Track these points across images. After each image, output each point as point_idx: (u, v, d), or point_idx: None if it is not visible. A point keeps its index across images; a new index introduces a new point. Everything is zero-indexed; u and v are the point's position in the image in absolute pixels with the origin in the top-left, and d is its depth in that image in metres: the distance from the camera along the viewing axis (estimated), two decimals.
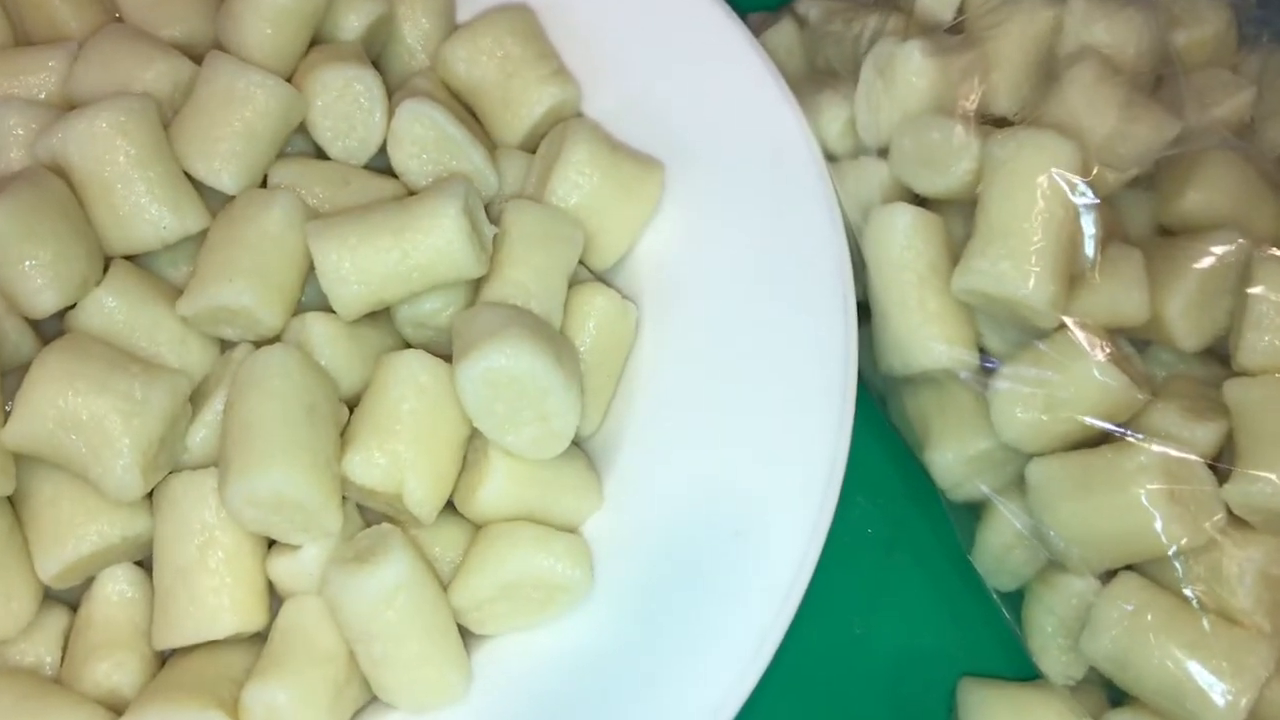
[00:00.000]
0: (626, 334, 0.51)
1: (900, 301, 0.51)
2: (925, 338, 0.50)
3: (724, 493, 0.48)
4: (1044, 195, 0.47)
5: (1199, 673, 0.45)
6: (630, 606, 0.47)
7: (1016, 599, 0.52)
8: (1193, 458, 0.46)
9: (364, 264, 0.47)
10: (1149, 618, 0.46)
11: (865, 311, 0.53)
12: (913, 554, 0.55)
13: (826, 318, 0.50)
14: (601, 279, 0.53)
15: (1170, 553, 0.45)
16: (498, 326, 0.46)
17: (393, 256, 0.47)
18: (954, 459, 0.51)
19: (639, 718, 0.44)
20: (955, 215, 0.52)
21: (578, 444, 0.51)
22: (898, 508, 0.56)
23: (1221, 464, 0.46)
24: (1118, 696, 0.49)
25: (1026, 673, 0.51)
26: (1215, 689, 0.44)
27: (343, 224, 0.47)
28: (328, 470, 0.44)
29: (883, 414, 0.55)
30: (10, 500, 0.46)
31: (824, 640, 0.53)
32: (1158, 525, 0.45)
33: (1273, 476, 0.45)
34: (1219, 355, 0.49)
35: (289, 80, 0.51)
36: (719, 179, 0.53)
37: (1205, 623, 0.45)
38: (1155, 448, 0.46)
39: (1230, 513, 0.46)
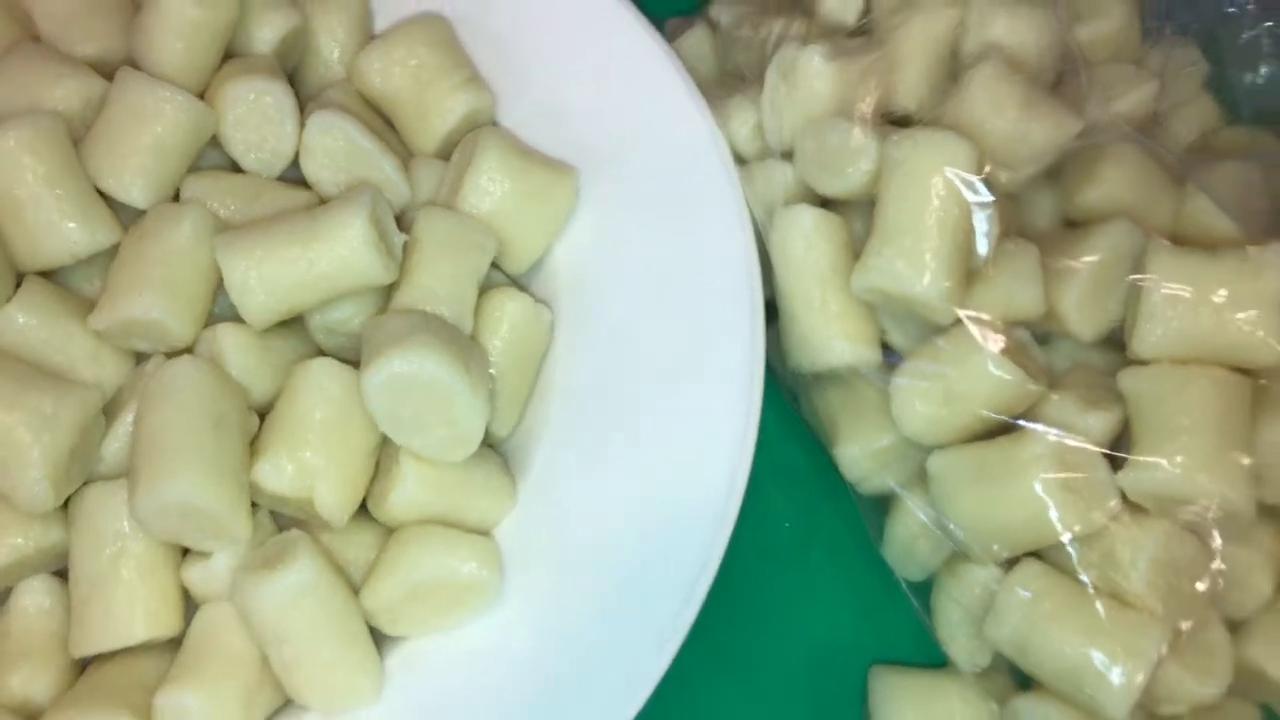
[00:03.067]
0: (540, 337, 0.52)
1: (804, 301, 0.52)
2: (829, 336, 0.51)
3: (634, 490, 0.49)
4: (938, 194, 0.48)
5: (1095, 655, 0.46)
6: (540, 609, 0.47)
7: (925, 589, 0.53)
8: (1087, 446, 0.47)
9: (271, 275, 0.47)
10: (1047, 604, 0.47)
11: (774, 310, 0.54)
12: (828, 547, 0.56)
13: (734, 316, 0.51)
14: (517, 284, 0.54)
15: (1065, 540, 0.46)
16: (404, 333, 0.46)
17: (299, 266, 0.47)
18: (860, 453, 0.52)
19: (545, 717, 0.45)
20: (857, 215, 0.53)
21: (493, 446, 0.52)
22: (813, 503, 0.57)
23: (1117, 453, 0.47)
24: (1024, 681, 0.50)
25: (937, 660, 0.52)
26: (1111, 670, 0.45)
27: (250, 236, 0.48)
28: (235, 480, 0.45)
29: (795, 409, 0.56)
30: None
31: (743, 633, 0.54)
32: (1052, 513, 0.46)
33: (1164, 462, 0.46)
34: (1119, 345, 0.50)
35: (201, 95, 0.52)
36: (632, 184, 0.54)
37: (1100, 607, 0.46)
38: (1050, 437, 0.47)
39: (1126, 500, 0.47)
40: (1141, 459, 0.46)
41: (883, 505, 0.53)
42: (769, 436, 0.50)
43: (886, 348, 0.52)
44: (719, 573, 0.47)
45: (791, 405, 0.57)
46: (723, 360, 0.50)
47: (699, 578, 0.47)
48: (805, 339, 0.52)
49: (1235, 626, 0.49)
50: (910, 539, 0.52)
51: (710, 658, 0.53)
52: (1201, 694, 0.47)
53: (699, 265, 0.52)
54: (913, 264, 0.48)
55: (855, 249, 0.52)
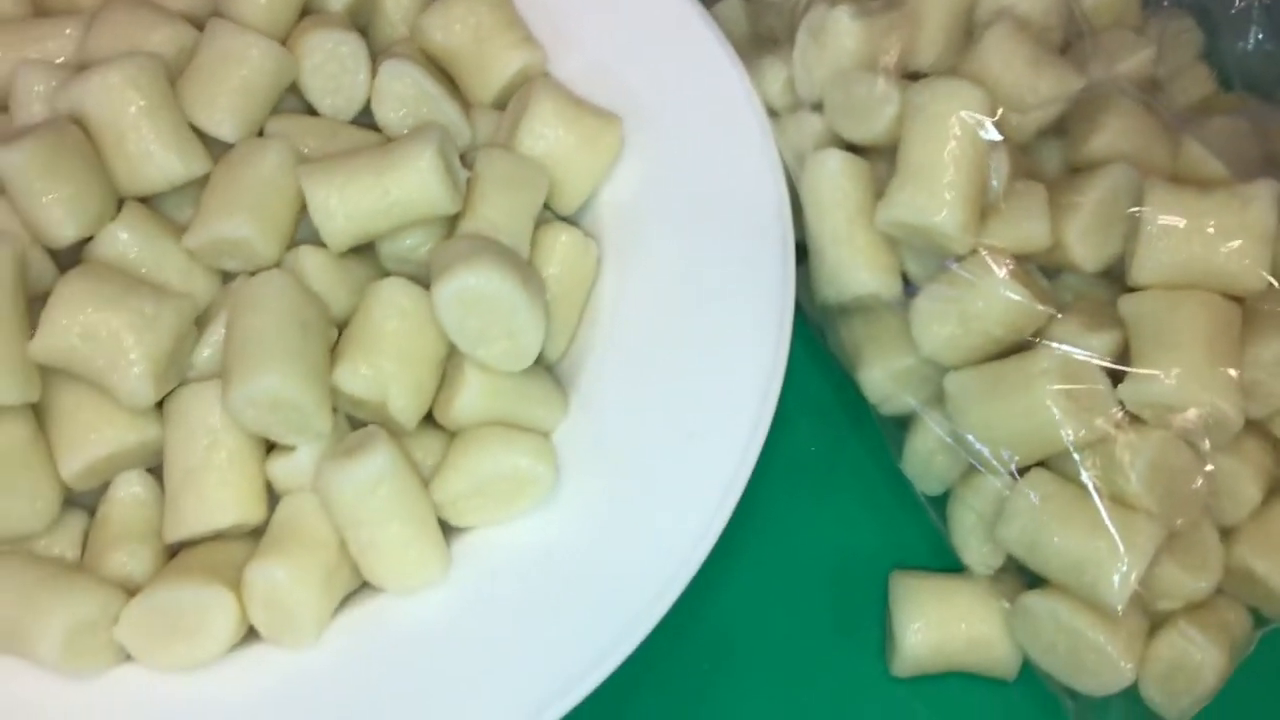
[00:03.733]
0: (588, 268, 0.57)
1: (832, 237, 0.57)
2: (854, 267, 0.56)
3: (673, 403, 0.53)
4: (954, 135, 0.53)
5: (1096, 550, 0.50)
6: (588, 507, 0.52)
7: (942, 501, 0.57)
8: (1090, 359, 0.51)
9: (350, 200, 0.52)
10: (1053, 506, 0.52)
11: (804, 252, 0.59)
12: (850, 468, 0.61)
13: (767, 252, 0.56)
14: (569, 222, 0.59)
15: (1069, 443, 0.51)
16: (471, 252, 0.51)
17: (375, 193, 0.52)
18: (882, 375, 0.57)
19: (594, 599, 0.49)
20: (881, 161, 0.58)
21: (547, 367, 0.56)
22: (837, 429, 0.62)
23: (1118, 367, 0.52)
24: (1033, 582, 0.54)
25: (952, 568, 0.56)
26: (1111, 563, 0.50)
27: (331, 165, 0.53)
28: (319, 378, 0.50)
29: (822, 344, 0.61)
30: (35, 409, 0.51)
31: (773, 543, 0.59)
32: (1058, 421, 0.51)
33: (1160, 374, 0.50)
34: (1117, 279, 0.55)
35: (282, 45, 0.57)
36: (672, 133, 0.59)
37: (1102, 507, 0.51)
38: (1056, 352, 0.51)
39: (1127, 412, 0.51)
40: (1140, 371, 0.51)
41: (903, 424, 0.58)
42: (797, 370, 0.55)
43: (906, 281, 0.57)
44: (750, 490, 0.51)
45: (819, 340, 0.61)
46: (756, 290, 0.55)
47: (731, 483, 0.51)
48: (833, 272, 0.57)
49: (1226, 533, 0.53)
50: (929, 454, 0.56)
51: (741, 564, 0.58)
52: (1194, 589, 0.52)
53: (735, 207, 0.57)
54: (932, 198, 0.53)
55: (878, 191, 0.56)
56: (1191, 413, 0.50)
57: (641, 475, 0.52)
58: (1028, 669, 0.55)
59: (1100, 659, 0.51)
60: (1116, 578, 0.50)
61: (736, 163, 0.58)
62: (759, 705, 0.56)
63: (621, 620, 0.49)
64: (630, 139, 0.59)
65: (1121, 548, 0.50)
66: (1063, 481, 0.52)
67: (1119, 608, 0.50)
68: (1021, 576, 0.55)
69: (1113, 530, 0.50)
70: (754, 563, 0.58)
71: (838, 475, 0.61)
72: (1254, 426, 0.53)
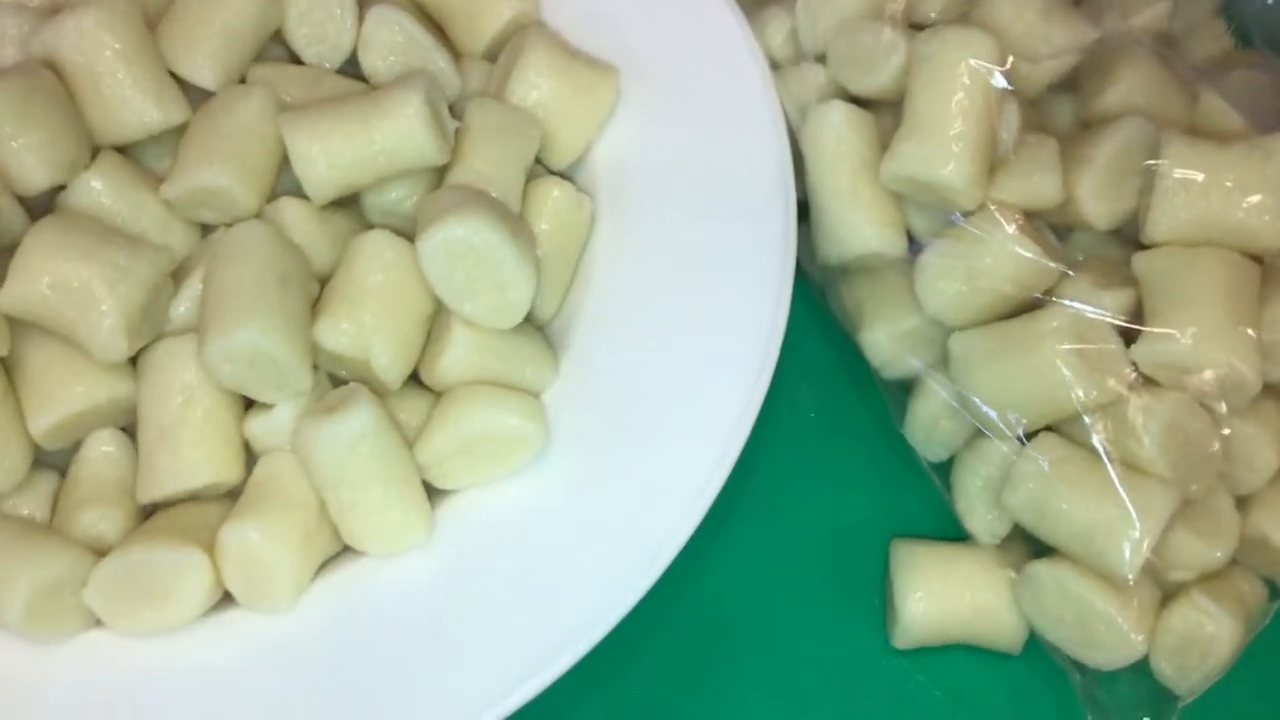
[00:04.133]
0: (582, 224, 0.55)
1: (834, 192, 0.55)
2: (858, 223, 0.54)
3: (668, 363, 0.51)
4: (963, 85, 0.51)
5: (1107, 516, 0.48)
6: (581, 464, 0.50)
7: (946, 468, 0.55)
8: (1103, 317, 0.49)
9: (333, 149, 0.50)
10: (1063, 471, 0.50)
11: (805, 211, 0.57)
12: (851, 434, 0.59)
13: (768, 208, 0.54)
14: (560, 177, 0.57)
15: (1080, 408, 0.49)
16: (458, 203, 0.49)
17: (359, 141, 0.50)
18: (885, 337, 0.55)
19: (585, 562, 0.48)
20: (886, 114, 0.55)
21: (538, 327, 0.54)
22: (838, 394, 0.60)
23: (1133, 327, 0.50)
24: (1040, 551, 0.52)
25: (956, 537, 0.55)
26: (1122, 530, 0.48)
27: (314, 113, 0.51)
28: (299, 332, 0.48)
29: (824, 306, 0.59)
30: (4, 364, 0.49)
31: (772, 511, 0.57)
32: (1069, 382, 0.49)
33: (1175, 333, 0.48)
34: (1130, 238, 0.53)
35: None
36: (671, 86, 0.57)
37: (1114, 473, 0.49)
38: (1068, 310, 0.49)
39: (1140, 373, 0.49)
40: (1154, 330, 0.49)
41: (906, 389, 0.56)
42: (797, 333, 0.53)
43: (911, 239, 0.55)
44: (749, 456, 0.49)
45: (820, 302, 0.59)
46: (756, 248, 0.53)
47: (728, 443, 0.49)
48: (835, 229, 0.55)
49: (1242, 501, 0.51)
50: (933, 420, 0.54)
51: (738, 530, 0.56)
52: (1209, 558, 0.50)
53: (735, 162, 0.55)
54: (940, 150, 0.51)
55: (883, 145, 0.54)
56: (1208, 374, 0.48)
57: (635, 436, 0.50)
58: (1034, 641, 0.53)
59: (1110, 630, 0.49)
60: (1128, 546, 0.48)
61: (737, 116, 0.56)
62: (756, 674, 0.54)
63: (613, 584, 0.47)
64: (626, 91, 0.57)
65: (1134, 514, 0.48)
66: (1073, 446, 0.50)
67: (1130, 577, 0.48)
68: (1028, 545, 0.53)
69: (1124, 496, 0.48)
70: (752, 529, 0.56)
71: (838, 441, 0.59)
72: (1272, 390, 0.51)
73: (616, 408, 0.51)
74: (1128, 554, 0.48)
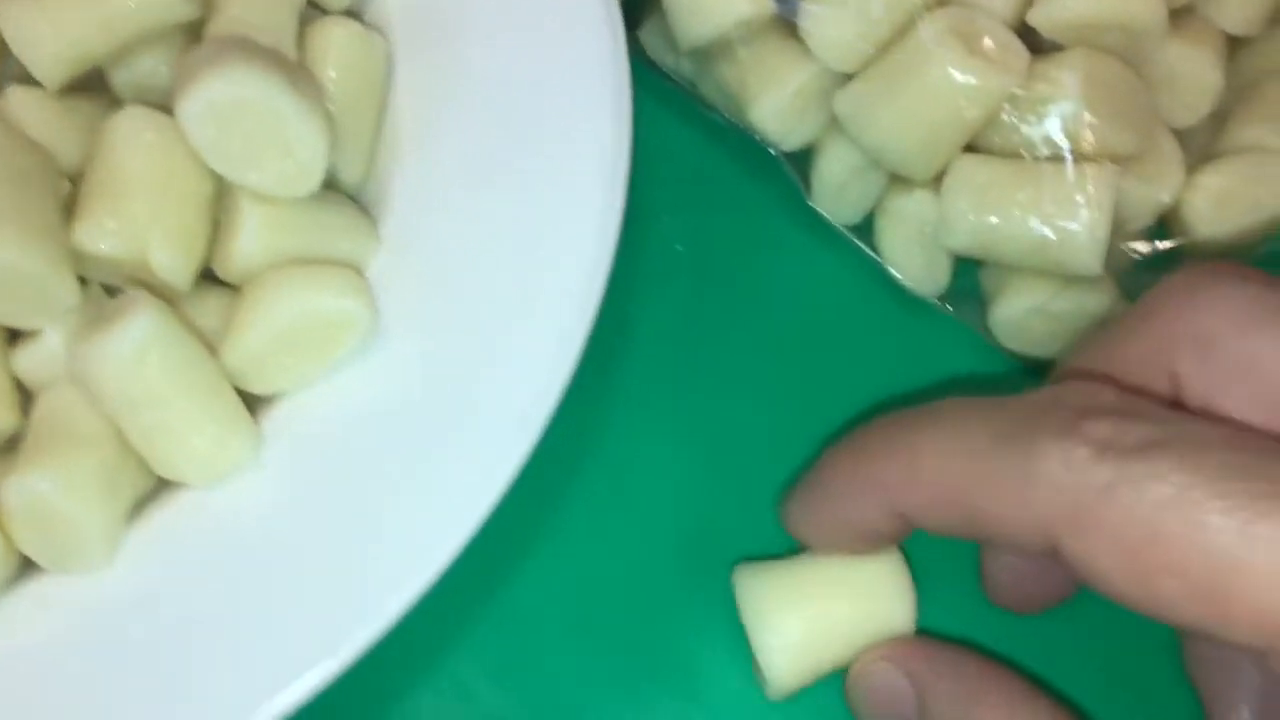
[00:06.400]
0: (376, 68, 0.47)
1: None
2: None
3: (503, 228, 0.44)
4: None
5: (1052, 217, 0.44)
6: (419, 345, 0.43)
7: (866, 228, 0.51)
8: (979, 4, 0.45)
9: (57, 18, 0.42)
10: (994, 194, 0.45)
11: (655, 3, 0.51)
12: (721, 265, 0.53)
13: (589, 18, 0.47)
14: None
15: (989, 109, 0.45)
16: (219, 56, 0.41)
17: (88, 2, 0.42)
18: (777, 101, 0.49)
19: (445, 455, 0.41)
20: None
21: (348, 195, 0.47)
22: (704, 221, 0.53)
23: None
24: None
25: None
26: (1072, 223, 0.44)
27: None
28: (53, 239, 0.40)
29: (698, 103, 0.53)
30: None
31: (643, 357, 0.51)
32: (968, 86, 0.44)
33: None
34: None
35: None
36: None
37: (1046, 170, 0.45)
38: (941, 14, 0.45)
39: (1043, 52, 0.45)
40: None
41: (808, 158, 0.51)
42: (653, 163, 0.48)
43: None
44: (615, 306, 0.43)
45: (691, 97, 0.53)
46: (582, 78, 0.46)
47: (585, 302, 0.43)
48: (696, 6, 0.49)
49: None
50: (840, 183, 0.50)
51: (623, 382, 0.50)
52: (1157, 202, 0.47)
53: None
54: None
55: None
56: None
57: (478, 306, 0.43)
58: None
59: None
60: (1084, 235, 0.44)
61: None
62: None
63: (482, 468, 0.40)
64: None
65: (1081, 202, 0.44)
66: (995, 161, 0.46)
67: (1098, 268, 0.44)
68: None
69: (1063, 189, 0.44)
70: (638, 378, 0.51)
71: (709, 276, 0.53)
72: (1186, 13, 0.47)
73: (450, 277, 0.44)
74: (1087, 247, 0.44)
